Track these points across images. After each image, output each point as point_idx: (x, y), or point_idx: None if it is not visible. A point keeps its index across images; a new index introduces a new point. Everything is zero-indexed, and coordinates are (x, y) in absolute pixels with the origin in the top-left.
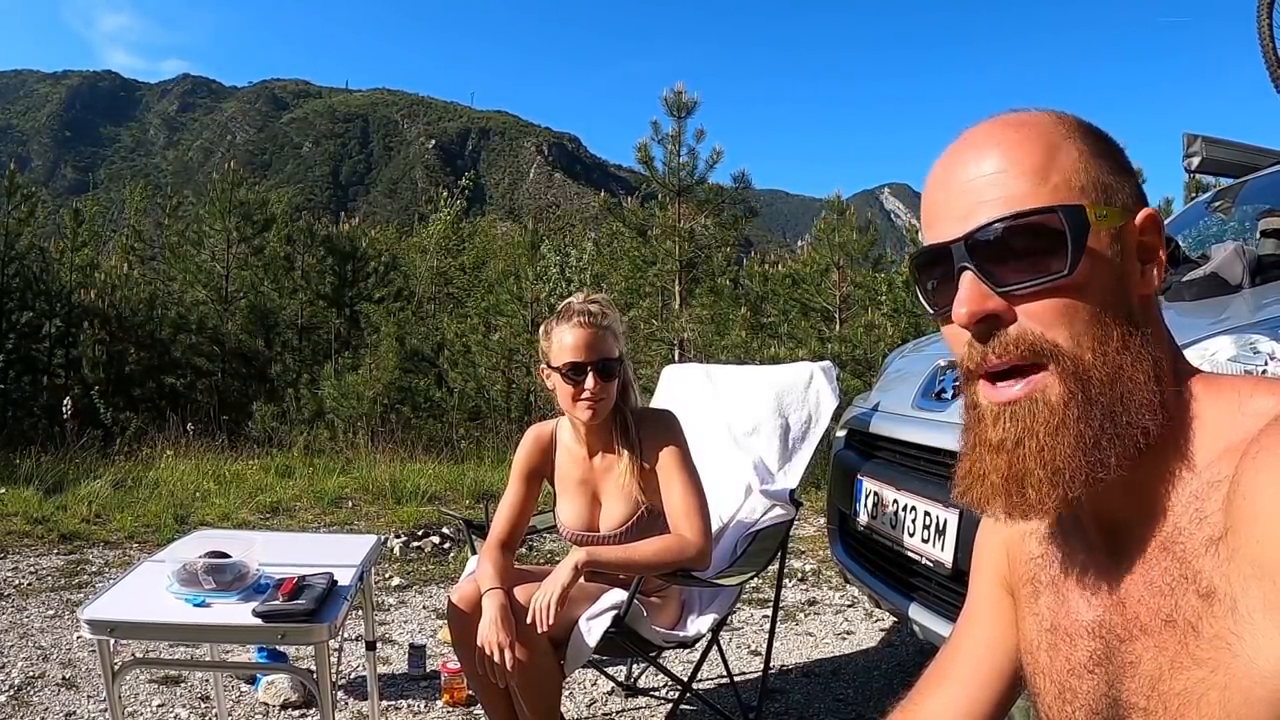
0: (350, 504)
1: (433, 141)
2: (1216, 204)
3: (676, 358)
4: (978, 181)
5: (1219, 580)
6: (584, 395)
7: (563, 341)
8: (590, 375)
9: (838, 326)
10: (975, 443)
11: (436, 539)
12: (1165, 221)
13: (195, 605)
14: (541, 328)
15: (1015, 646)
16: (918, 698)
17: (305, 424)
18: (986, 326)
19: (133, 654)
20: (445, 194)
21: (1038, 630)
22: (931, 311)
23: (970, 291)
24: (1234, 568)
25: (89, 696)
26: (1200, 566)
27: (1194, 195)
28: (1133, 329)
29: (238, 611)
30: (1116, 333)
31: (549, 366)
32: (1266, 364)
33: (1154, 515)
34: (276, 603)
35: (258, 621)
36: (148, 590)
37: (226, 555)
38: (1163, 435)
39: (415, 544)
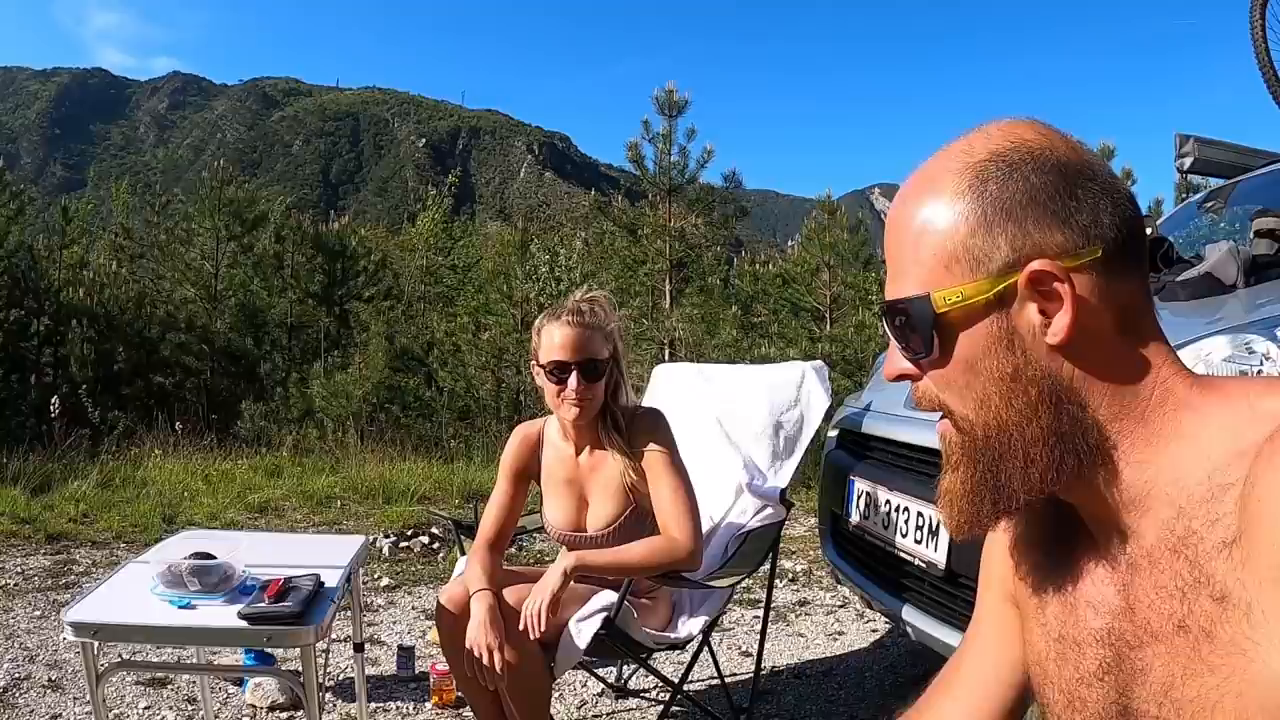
0: (339, 503)
1: (423, 140)
2: (1208, 204)
3: (667, 357)
4: (889, 253)
5: (1233, 584)
6: (568, 394)
7: (550, 339)
8: (574, 375)
9: (828, 326)
10: None
11: (425, 539)
12: (1158, 222)
13: (180, 607)
14: (535, 323)
15: (1020, 659)
16: (923, 707)
17: (294, 423)
18: (907, 382)
19: (119, 655)
20: (434, 192)
21: (1045, 640)
22: None
23: (890, 355)
24: (1248, 571)
25: (75, 699)
26: (1213, 570)
27: (1184, 196)
28: (1027, 386)
29: (223, 614)
30: (998, 393)
31: (537, 364)
32: (1261, 364)
33: (1164, 519)
34: (262, 605)
35: (243, 624)
36: (132, 592)
37: (212, 556)
38: (1170, 441)
39: (404, 544)
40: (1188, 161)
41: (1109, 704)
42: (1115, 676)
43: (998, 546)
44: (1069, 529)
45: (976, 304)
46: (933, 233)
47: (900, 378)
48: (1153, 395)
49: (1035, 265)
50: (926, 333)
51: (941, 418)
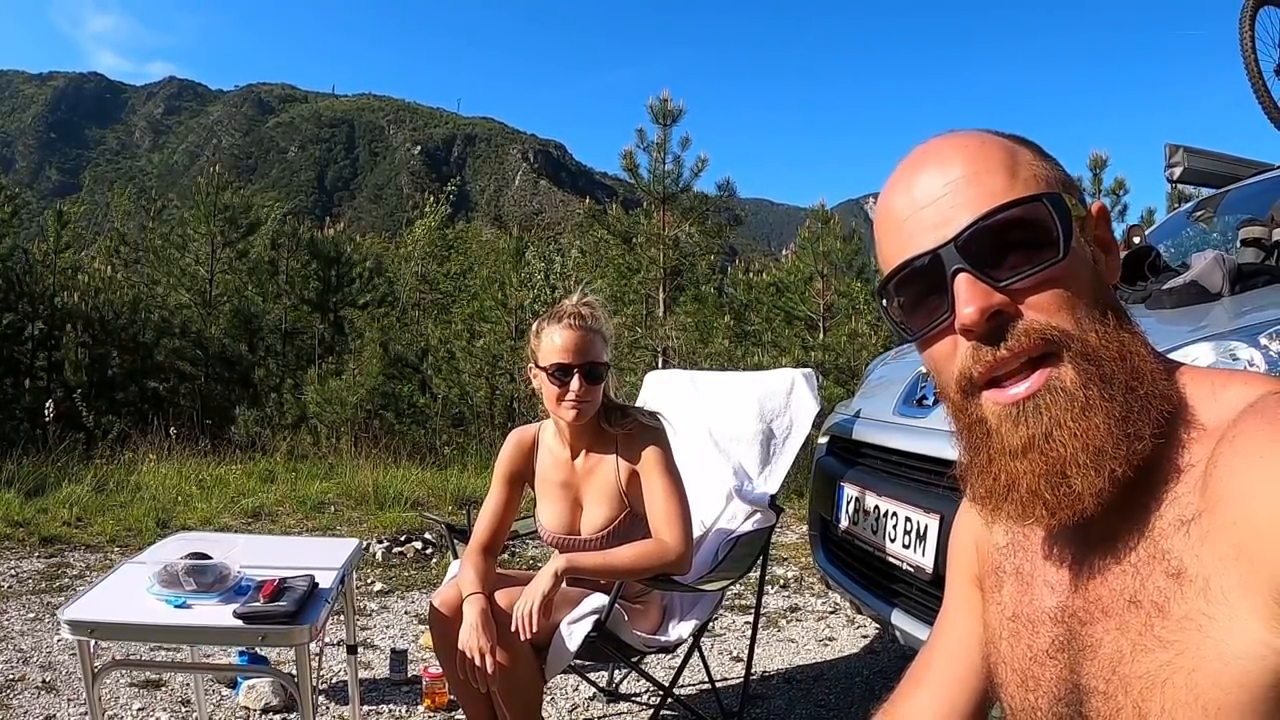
0: (333, 509)
1: (418, 148)
2: (1198, 214)
3: (660, 365)
4: (949, 187)
5: (1190, 560)
6: (569, 397)
7: (552, 342)
8: (576, 377)
9: (821, 335)
10: (992, 455)
11: (419, 544)
12: (1148, 231)
13: (176, 606)
14: (533, 326)
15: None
16: (897, 699)
17: (288, 429)
18: (995, 325)
19: (113, 656)
20: (430, 199)
21: (1000, 619)
22: (910, 334)
23: (972, 291)
24: (1207, 548)
25: (69, 700)
26: (1169, 546)
27: (1176, 205)
28: (1119, 310)
29: (218, 613)
30: (1110, 313)
31: (536, 366)
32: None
33: (1123, 498)
34: (257, 604)
35: (238, 623)
36: (128, 591)
37: (208, 557)
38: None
39: (398, 549)
40: (1177, 171)
41: (1061, 682)
42: (1067, 654)
43: (963, 529)
44: None
45: (1080, 220)
46: (1024, 155)
47: (991, 316)
48: (1134, 367)
49: (1099, 204)
50: (1064, 232)
51: (1033, 369)
